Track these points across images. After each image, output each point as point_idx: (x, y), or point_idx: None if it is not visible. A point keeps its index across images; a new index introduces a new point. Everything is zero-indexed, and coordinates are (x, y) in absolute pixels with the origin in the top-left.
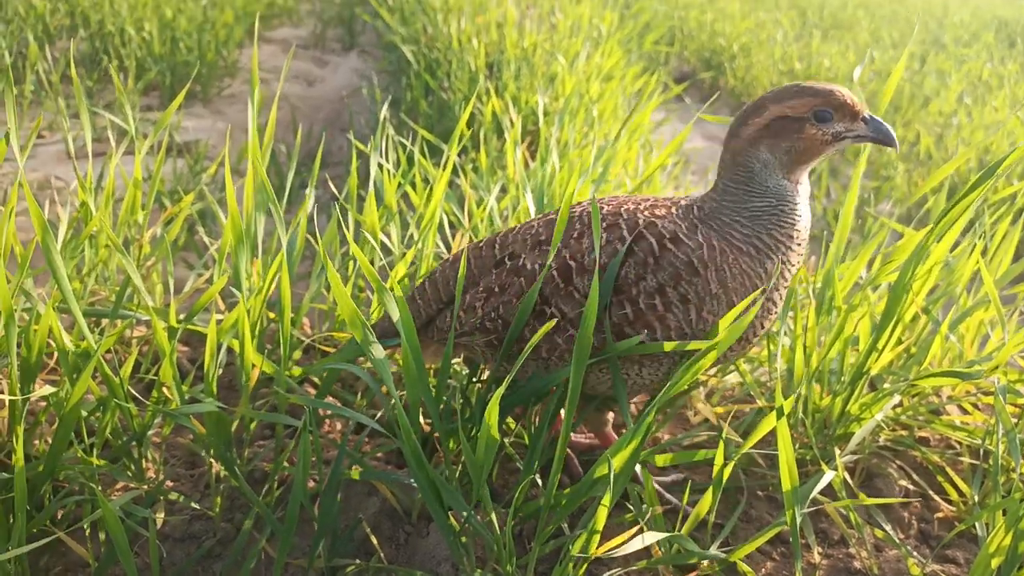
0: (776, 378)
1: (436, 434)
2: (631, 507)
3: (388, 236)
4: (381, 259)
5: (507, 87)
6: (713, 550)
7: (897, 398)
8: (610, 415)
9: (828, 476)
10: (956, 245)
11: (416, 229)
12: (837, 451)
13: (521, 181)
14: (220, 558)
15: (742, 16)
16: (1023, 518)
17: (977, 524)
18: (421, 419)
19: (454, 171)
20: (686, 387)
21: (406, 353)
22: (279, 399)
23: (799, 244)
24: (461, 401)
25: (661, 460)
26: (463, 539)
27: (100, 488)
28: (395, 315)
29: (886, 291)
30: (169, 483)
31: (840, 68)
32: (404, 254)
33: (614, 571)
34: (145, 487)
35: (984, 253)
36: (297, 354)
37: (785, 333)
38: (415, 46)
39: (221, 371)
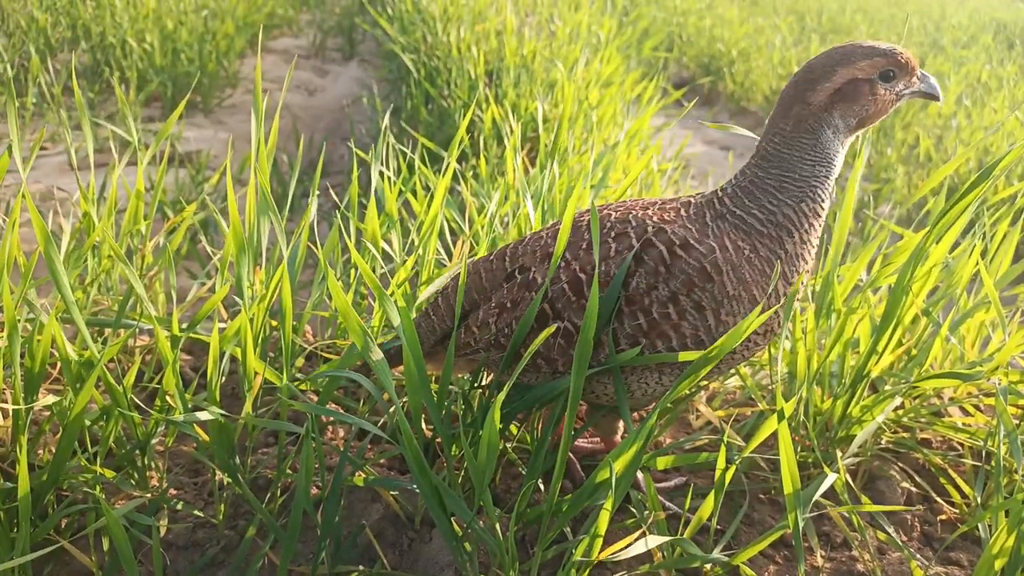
0: (777, 381)
1: (438, 440)
2: (634, 511)
3: (389, 243)
4: (383, 267)
5: (507, 94)
6: (716, 554)
7: (898, 400)
8: (621, 422)
9: (830, 479)
10: (956, 246)
11: (417, 236)
12: (839, 454)
13: (521, 188)
14: (224, 565)
15: (740, 22)
16: None
17: (980, 526)
18: (423, 425)
19: (455, 178)
20: (688, 391)
21: (407, 359)
22: (282, 406)
23: (820, 221)
24: (463, 406)
25: (663, 463)
26: (466, 545)
27: (104, 497)
28: (395, 321)
29: (886, 293)
30: (173, 491)
31: None
32: (405, 261)
33: (617, 575)
34: (149, 495)
35: (984, 254)
36: (300, 362)
37: (785, 336)
38: (415, 55)
39: (224, 379)
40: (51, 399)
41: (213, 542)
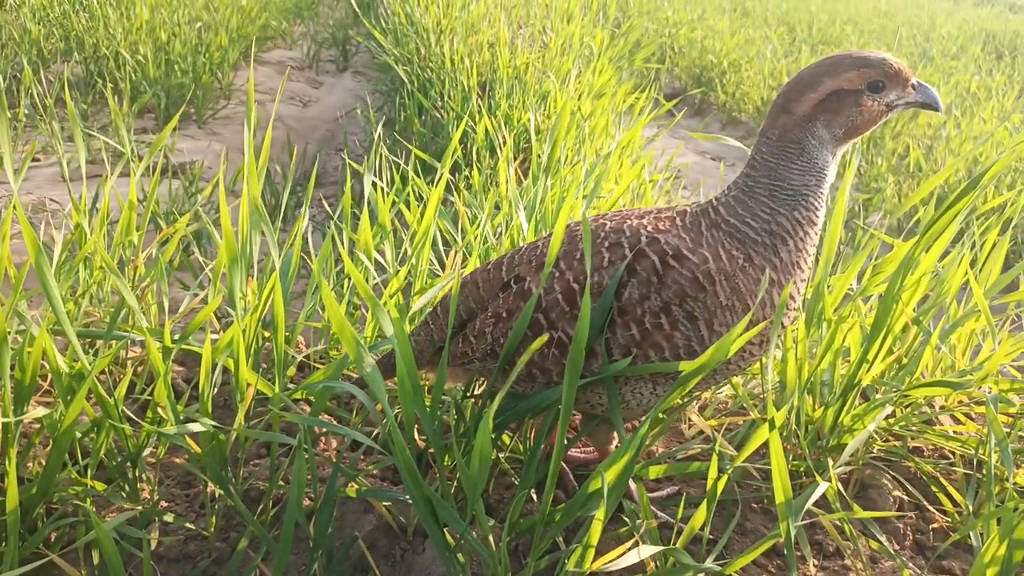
0: (768, 390)
1: (431, 450)
2: (627, 520)
3: (382, 254)
4: (375, 277)
5: (499, 106)
6: (708, 563)
7: (889, 409)
8: (615, 432)
9: (822, 488)
10: (946, 255)
11: (410, 246)
12: (830, 462)
13: (514, 198)
14: None
15: (731, 33)
16: (1017, 527)
17: (972, 534)
18: (416, 435)
19: (448, 189)
20: (680, 401)
21: (400, 369)
22: (273, 418)
23: (816, 229)
24: (456, 416)
25: (655, 472)
26: (459, 555)
27: (94, 510)
28: (388, 331)
29: (876, 302)
30: (164, 503)
31: None
32: (398, 271)
33: None
34: (140, 508)
35: (973, 263)
36: (292, 372)
37: (776, 345)
38: (408, 66)
39: (216, 391)
40: (41, 411)
41: (204, 554)
